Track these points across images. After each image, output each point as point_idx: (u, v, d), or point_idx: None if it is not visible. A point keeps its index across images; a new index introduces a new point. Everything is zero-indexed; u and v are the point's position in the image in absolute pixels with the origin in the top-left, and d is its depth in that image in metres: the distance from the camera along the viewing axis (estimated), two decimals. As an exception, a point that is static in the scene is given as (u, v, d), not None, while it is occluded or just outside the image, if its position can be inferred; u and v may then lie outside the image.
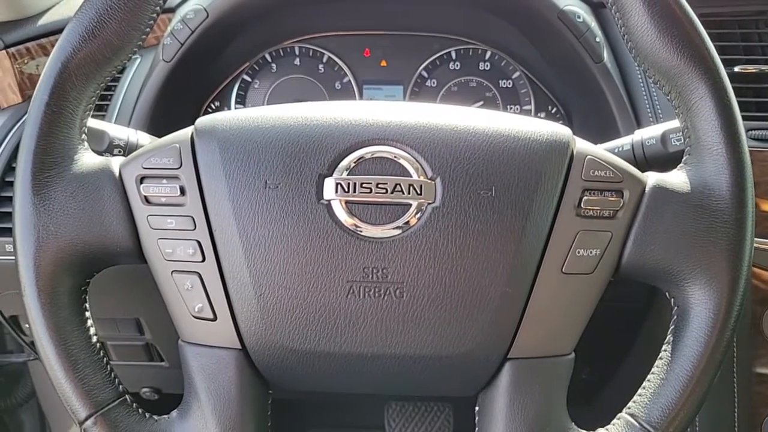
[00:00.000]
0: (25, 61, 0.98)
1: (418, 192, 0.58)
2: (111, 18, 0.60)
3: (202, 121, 0.61)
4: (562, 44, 0.94)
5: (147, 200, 0.60)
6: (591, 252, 0.59)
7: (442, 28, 1.06)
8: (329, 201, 0.57)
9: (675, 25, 0.59)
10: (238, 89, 1.06)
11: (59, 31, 0.61)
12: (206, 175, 0.59)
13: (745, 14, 0.97)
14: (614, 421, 0.60)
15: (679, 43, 0.59)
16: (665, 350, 0.60)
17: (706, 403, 0.59)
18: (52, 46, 0.60)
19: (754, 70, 0.93)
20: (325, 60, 1.07)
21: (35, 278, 0.58)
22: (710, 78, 0.59)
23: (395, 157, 0.58)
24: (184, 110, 1.01)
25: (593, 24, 0.93)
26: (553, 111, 1.05)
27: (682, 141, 0.63)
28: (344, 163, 0.58)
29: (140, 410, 0.61)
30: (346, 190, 0.57)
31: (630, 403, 0.60)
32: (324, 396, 1.37)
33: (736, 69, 0.92)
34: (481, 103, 1.05)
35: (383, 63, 1.07)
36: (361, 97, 1.07)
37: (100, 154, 0.65)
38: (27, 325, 0.99)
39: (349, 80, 1.06)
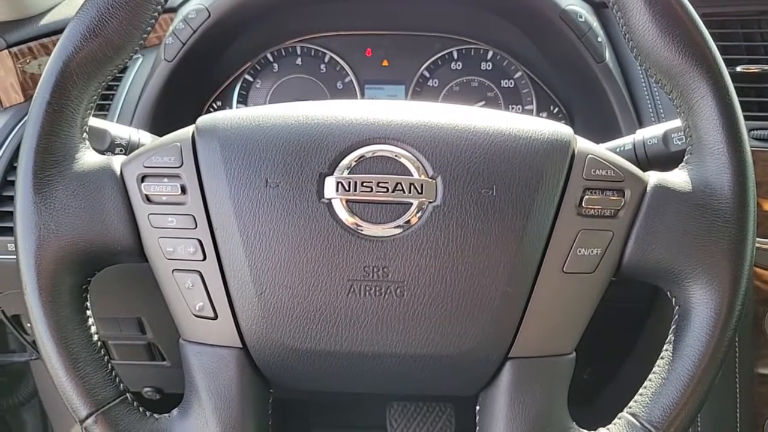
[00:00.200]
0: (27, 61, 0.98)
1: (419, 191, 0.57)
2: (112, 17, 0.60)
3: (203, 120, 0.61)
4: (564, 44, 0.94)
5: (148, 199, 0.60)
6: (592, 251, 0.59)
7: (444, 27, 1.06)
8: (330, 200, 0.57)
9: (676, 24, 0.59)
10: (239, 89, 1.07)
11: (61, 30, 0.61)
12: (207, 174, 0.59)
13: (747, 14, 0.96)
14: (615, 420, 0.60)
15: (680, 42, 0.59)
16: (666, 350, 0.60)
17: (708, 404, 0.59)
18: (55, 45, 0.60)
19: (756, 70, 0.93)
20: (326, 60, 1.07)
21: (36, 276, 0.58)
22: (712, 77, 0.59)
23: (396, 156, 0.58)
24: (186, 110, 1.01)
25: (595, 24, 0.93)
26: (554, 111, 1.05)
27: (684, 140, 0.63)
28: (345, 162, 0.58)
29: (141, 409, 0.61)
30: (347, 188, 0.57)
31: (631, 403, 0.60)
32: (326, 396, 1.37)
33: (739, 69, 0.92)
34: (483, 103, 1.05)
35: (385, 63, 1.07)
36: (362, 96, 1.07)
37: (101, 153, 0.65)
38: (29, 325, 0.99)
39: (351, 80, 1.06)
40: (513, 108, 1.05)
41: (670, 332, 0.60)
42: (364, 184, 0.58)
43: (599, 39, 0.93)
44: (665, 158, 0.73)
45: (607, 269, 0.60)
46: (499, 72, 1.06)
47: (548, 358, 0.61)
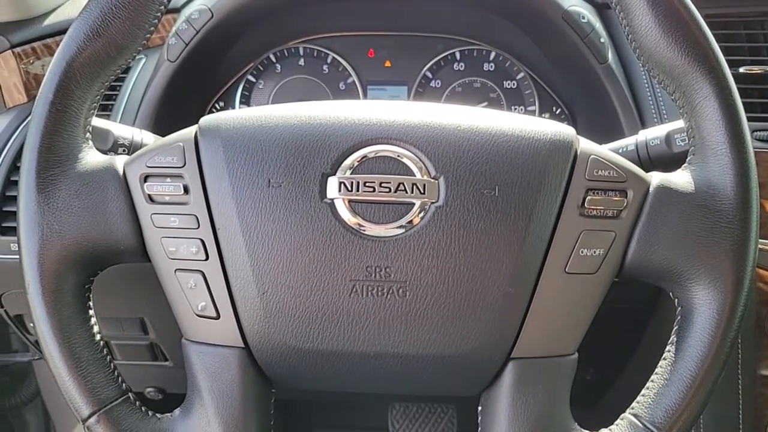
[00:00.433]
0: (31, 61, 0.99)
1: (422, 191, 0.57)
2: (115, 17, 0.60)
3: (206, 120, 0.61)
4: (567, 45, 0.94)
5: (151, 199, 0.60)
6: (594, 252, 0.59)
7: (447, 28, 1.06)
8: (332, 200, 0.58)
9: (679, 25, 0.59)
10: (242, 89, 1.07)
11: (65, 31, 0.61)
12: (210, 174, 0.59)
13: (750, 15, 0.96)
14: (617, 421, 0.60)
15: (683, 43, 0.59)
16: (669, 350, 0.60)
17: (711, 405, 0.59)
18: (58, 46, 0.61)
19: (759, 71, 0.93)
20: (329, 60, 1.07)
21: (39, 276, 0.58)
22: (714, 78, 0.59)
23: (398, 156, 0.58)
24: (189, 110, 1.01)
25: (598, 24, 0.93)
26: (557, 112, 1.05)
27: (687, 141, 0.63)
28: (347, 162, 0.58)
29: (143, 408, 0.61)
30: (350, 189, 0.57)
31: (633, 404, 0.60)
32: (328, 396, 1.37)
33: (741, 70, 0.92)
34: (486, 103, 1.05)
35: (387, 63, 1.07)
36: (365, 97, 1.07)
37: (104, 153, 0.65)
38: (32, 324, 0.99)
39: (354, 81, 1.07)
40: (516, 109, 1.05)
41: (672, 333, 0.60)
42: (367, 184, 0.58)
43: (602, 40, 0.93)
44: (668, 159, 0.73)
45: (610, 270, 0.60)
46: (502, 73, 1.06)
47: (551, 359, 0.60)
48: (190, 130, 0.61)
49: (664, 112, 0.92)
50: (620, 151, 0.75)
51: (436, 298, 0.57)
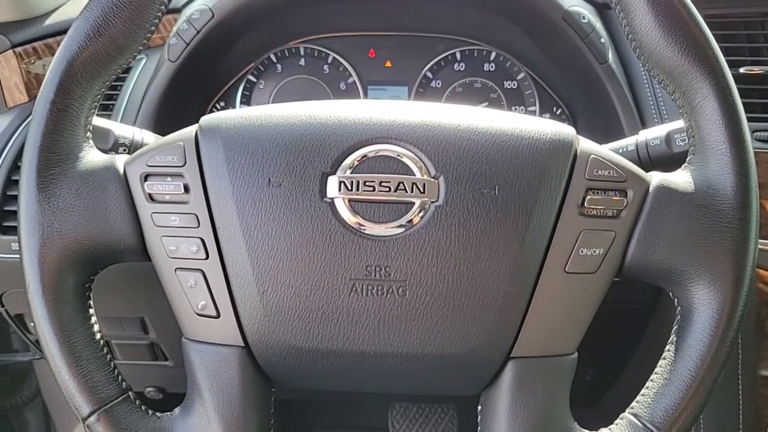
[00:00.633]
0: (32, 61, 0.99)
1: (421, 190, 0.58)
2: (116, 16, 0.60)
3: (206, 119, 0.61)
4: (567, 45, 0.94)
5: (151, 198, 0.60)
6: (594, 251, 0.59)
7: (447, 29, 1.06)
8: (332, 199, 0.58)
9: (679, 25, 0.59)
10: (243, 89, 1.07)
11: (66, 30, 0.61)
12: (210, 173, 0.59)
13: (750, 15, 0.96)
14: (617, 421, 0.60)
15: (683, 43, 0.59)
16: (668, 350, 0.60)
17: (711, 406, 0.59)
18: (59, 45, 0.61)
19: (759, 72, 0.93)
20: (330, 61, 1.07)
21: (40, 275, 0.58)
22: (714, 78, 0.59)
23: (398, 155, 0.58)
24: (190, 110, 1.01)
25: (598, 25, 0.93)
26: (557, 112, 1.05)
27: (687, 141, 0.63)
28: (347, 161, 0.58)
29: (143, 407, 0.61)
30: (350, 188, 0.57)
31: (633, 403, 0.60)
32: (328, 396, 1.37)
33: (742, 70, 0.92)
34: (486, 104, 1.05)
35: (388, 64, 1.07)
36: (365, 97, 1.07)
37: (105, 152, 0.65)
38: (32, 324, 0.99)
39: (354, 81, 1.07)
40: (516, 109, 1.05)
41: (672, 333, 0.60)
42: (367, 183, 0.58)
43: (602, 40, 0.93)
44: (668, 159, 0.73)
45: (610, 269, 0.60)
46: (502, 73, 1.06)
47: (550, 358, 0.60)
48: (191, 130, 0.62)
49: (664, 112, 0.92)
50: (620, 151, 0.75)
51: (435, 297, 0.57)
